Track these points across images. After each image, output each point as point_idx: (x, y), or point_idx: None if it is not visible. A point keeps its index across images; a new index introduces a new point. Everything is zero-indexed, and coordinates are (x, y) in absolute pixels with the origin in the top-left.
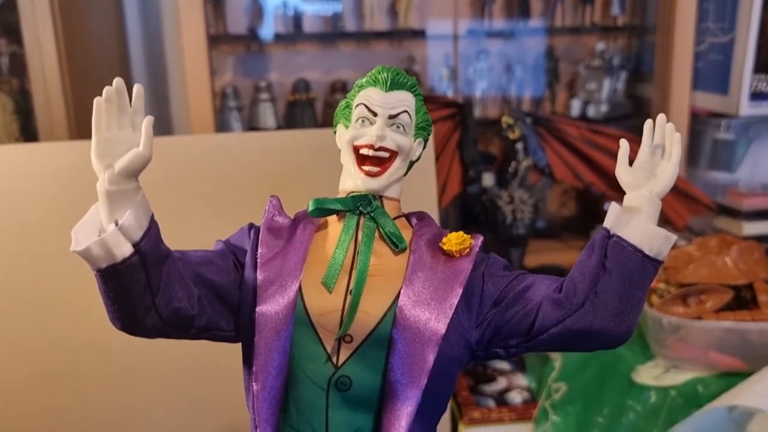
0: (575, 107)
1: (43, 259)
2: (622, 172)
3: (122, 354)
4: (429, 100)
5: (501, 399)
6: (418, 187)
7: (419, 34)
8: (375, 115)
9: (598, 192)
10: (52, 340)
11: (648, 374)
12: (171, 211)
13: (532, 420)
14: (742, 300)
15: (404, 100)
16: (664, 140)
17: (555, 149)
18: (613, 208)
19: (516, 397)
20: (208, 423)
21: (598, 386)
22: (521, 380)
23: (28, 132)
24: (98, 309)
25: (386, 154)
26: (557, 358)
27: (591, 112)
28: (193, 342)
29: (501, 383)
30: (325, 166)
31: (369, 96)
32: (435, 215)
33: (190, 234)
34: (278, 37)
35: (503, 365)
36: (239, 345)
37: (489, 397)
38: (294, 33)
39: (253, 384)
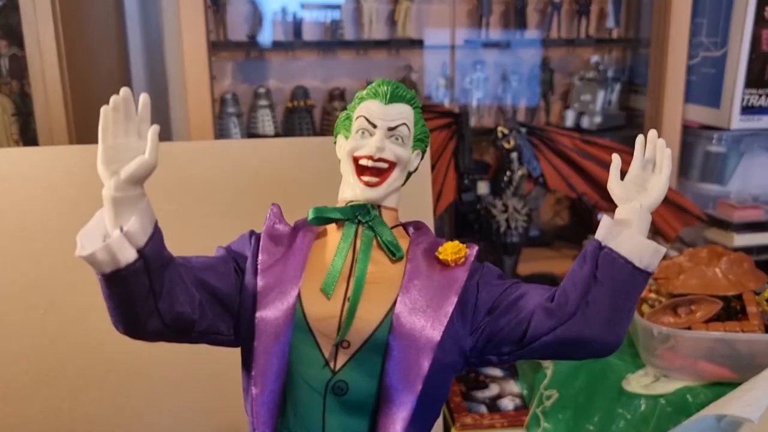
0: (569, 118)
1: (41, 261)
2: (614, 185)
3: (118, 356)
4: (425, 109)
5: (493, 405)
6: (413, 195)
7: (417, 44)
8: (375, 126)
9: (590, 202)
10: (49, 342)
11: (638, 383)
12: (169, 216)
13: (524, 427)
14: (732, 310)
15: (403, 113)
16: (655, 155)
17: (549, 159)
18: (604, 221)
19: (508, 404)
20: (204, 426)
21: (588, 394)
22: (513, 387)
23: (27, 134)
24: (95, 311)
25: (385, 165)
26: (549, 366)
27: (585, 123)
28: (191, 345)
29: (493, 390)
30: (323, 174)
31: (369, 108)
32: (430, 222)
33: (189, 239)
34: (278, 45)
35: (495, 372)
36: (237, 349)
37: (481, 404)
38: (293, 40)
39: (252, 387)
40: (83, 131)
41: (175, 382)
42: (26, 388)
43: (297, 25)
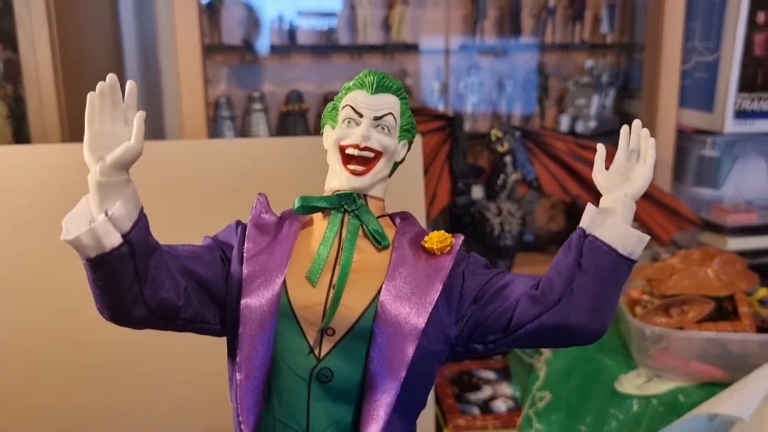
0: (564, 123)
1: (32, 259)
2: (599, 174)
3: (110, 355)
4: (419, 112)
5: (486, 407)
6: (406, 197)
7: (412, 48)
8: (361, 116)
9: (584, 205)
10: (40, 341)
11: (630, 383)
12: (162, 214)
13: (516, 428)
14: (724, 311)
15: (389, 103)
16: (639, 145)
17: (543, 163)
18: (589, 209)
19: (501, 406)
20: (195, 425)
21: (581, 395)
22: (506, 389)
23: (20, 137)
24: (87, 310)
25: (371, 154)
26: (542, 367)
27: (580, 127)
28: (180, 344)
29: (486, 391)
30: (315, 173)
31: (355, 98)
32: (424, 225)
33: (181, 237)
34: (272, 49)
35: (488, 374)
36: (227, 349)
37: (474, 405)
38: (288, 45)
39: (237, 374)
40: (77, 134)
41: (166, 382)
42: (17, 387)
43: (292, 30)
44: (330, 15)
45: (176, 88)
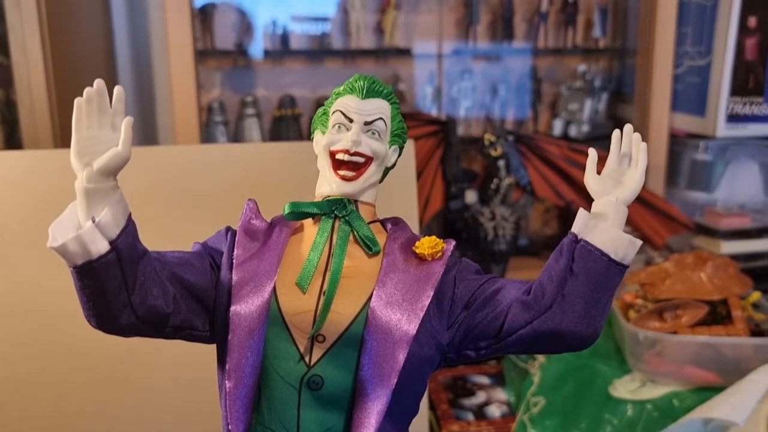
0: (557, 127)
1: (21, 265)
2: (591, 179)
3: (100, 362)
4: (413, 117)
5: (480, 412)
6: (400, 203)
7: (405, 53)
8: (351, 121)
9: (578, 210)
10: (29, 348)
11: (625, 388)
12: (155, 220)
13: None
14: (717, 315)
15: (380, 108)
16: (630, 149)
17: (536, 167)
18: (581, 214)
19: (495, 411)
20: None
21: (575, 400)
22: (500, 394)
23: (12, 142)
24: (76, 317)
25: (361, 160)
26: (536, 373)
27: (573, 132)
28: (170, 350)
29: (480, 397)
30: (309, 177)
31: (345, 103)
32: (417, 231)
33: (173, 243)
34: (266, 54)
35: (483, 379)
36: (217, 356)
37: (468, 411)
38: (281, 50)
39: (226, 382)
40: (69, 140)
41: (157, 389)
42: (6, 395)
43: (285, 35)
44: (323, 20)
45: (169, 92)
